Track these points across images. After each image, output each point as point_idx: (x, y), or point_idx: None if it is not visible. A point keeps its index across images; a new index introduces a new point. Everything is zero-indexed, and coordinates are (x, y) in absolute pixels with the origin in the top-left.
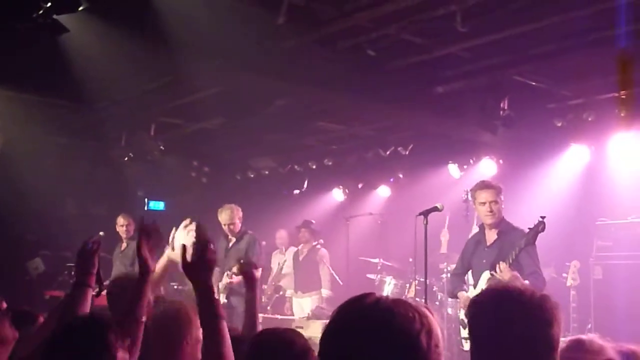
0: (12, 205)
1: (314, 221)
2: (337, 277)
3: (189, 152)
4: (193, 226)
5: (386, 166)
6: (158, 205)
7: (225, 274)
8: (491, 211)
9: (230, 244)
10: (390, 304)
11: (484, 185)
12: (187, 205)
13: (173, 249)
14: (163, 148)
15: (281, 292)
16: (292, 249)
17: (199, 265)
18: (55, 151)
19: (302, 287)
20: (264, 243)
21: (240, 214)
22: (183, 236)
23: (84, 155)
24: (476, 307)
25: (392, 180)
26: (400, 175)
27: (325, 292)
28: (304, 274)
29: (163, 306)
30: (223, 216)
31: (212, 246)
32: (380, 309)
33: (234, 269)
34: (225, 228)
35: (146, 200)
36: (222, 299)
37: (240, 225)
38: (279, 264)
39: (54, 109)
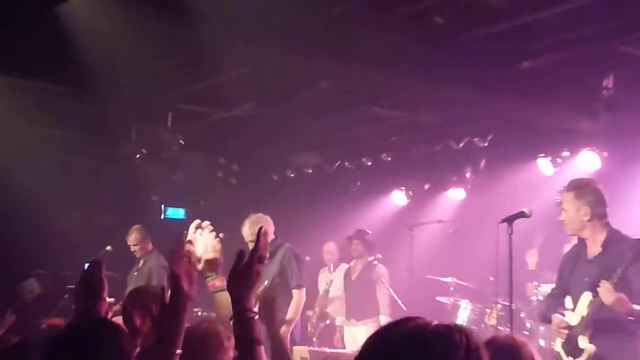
0: (0, 214)
1: (369, 231)
2: (398, 301)
3: (214, 147)
4: (207, 226)
5: (459, 162)
6: (177, 213)
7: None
8: (563, 220)
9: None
10: (435, 328)
11: (563, 188)
12: (212, 213)
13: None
14: (183, 142)
15: (328, 321)
16: (343, 266)
17: (241, 280)
18: (53, 147)
19: (356, 314)
20: (307, 259)
21: (271, 224)
22: (197, 239)
23: (87, 152)
24: None
25: (466, 179)
26: (477, 174)
27: (384, 319)
28: (358, 296)
29: (190, 328)
30: (246, 230)
31: (261, 255)
32: (419, 333)
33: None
34: (249, 245)
35: (163, 207)
36: None
37: (271, 237)
38: (326, 284)
39: (50, 95)
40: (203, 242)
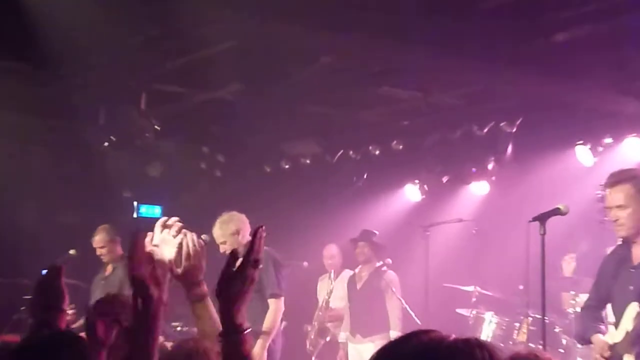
0: None
1: (377, 232)
2: (411, 313)
3: (196, 134)
4: (175, 224)
5: (482, 151)
6: (152, 212)
7: None
8: (616, 220)
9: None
10: (452, 343)
11: (611, 180)
12: (193, 210)
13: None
14: (159, 129)
15: (329, 337)
16: (347, 273)
17: (232, 287)
18: (7, 134)
19: (362, 329)
20: (305, 264)
21: (246, 224)
22: (163, 240)
23: (48, 140)
24: None
25: (491, 171)
26: (504, 164)
27: (395, 334)
28: (364, 308)
29: (176, 346)
30: (216, 231)
31: (256, 259)
32: (434, 349)
33: None
34: (221, 250)
35: (135, 204)
36: None
37: (246, 239)
38: (326, 294)
39: (3, 75)
40: (172, 244)
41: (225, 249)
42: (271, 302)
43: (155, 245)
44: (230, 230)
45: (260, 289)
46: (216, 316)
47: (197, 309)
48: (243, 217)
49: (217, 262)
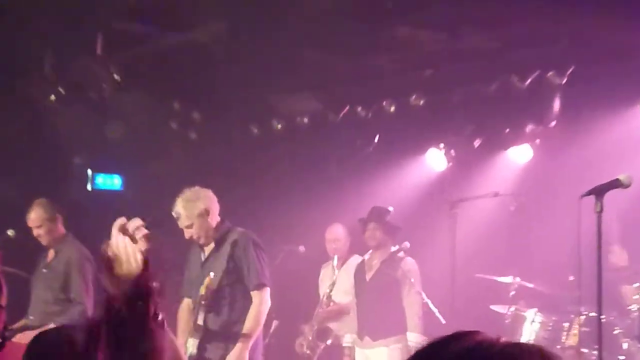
0: None
1: (391, 208)
2: (434, 310)
3: (165, 86)
4: (138, 228)
5: (524, 108)
6: (111, 182)
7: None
8: None
9: (207, 254)
10: (503, 348)
11: None
12: (162, 182)
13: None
14: (119, 79)
15: (330, 340)
16: (355, 260)
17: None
18: None
19: (372, 330)
20: (301, 249)
21: (214, 203)
22: (122, 245)
23: None
24: None
25: (534, 133)
26: (551, 125)
27: (414, 337)
28: (375, 304)
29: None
30: (180, 211)
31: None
32: (482, 356)
33: (201, 291)
34: (186, 235)
35: (90, 173)
36: (191, 347)
37: (215, 220)
38: (328, 287)
39: None
40: (124, 252)
41: (192, 234)
42: (255, 294)
43: (111, 261)
44: (198, 210)
45: (239, 280)
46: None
47: None
48: (210, 193)
49: None
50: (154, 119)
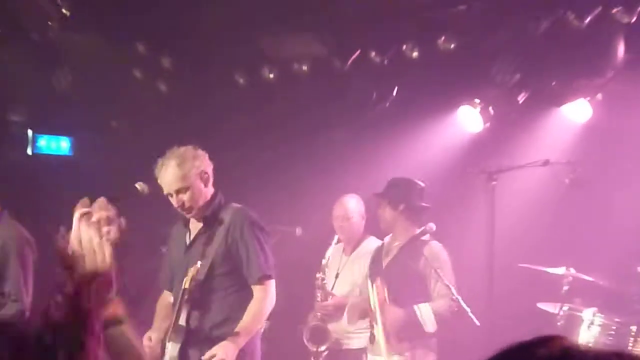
0: None
1: (420, 182)
2: (467, 309)
3: (126, 24)
4: (108, 218)
5: (581, 53)
6: (56, 146)
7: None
8: None
9: (194, 235)
10: (596, 357)
11: None
12: (120, 147)
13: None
14: (68, 14)
15: (324, 346)
16: (370, 243)
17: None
18: None
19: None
20: (298, 231)
21: (205, 164)
22: (86, 239)
23: None
24: None
25: (595, 84)
26: (615, 74)
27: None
28: (391, 298)
29: None
30: (163, 177)
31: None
32: None
33: (185, 283)
34: (175, 203)
35: (30, 133)
36: (170, 353)
37: (210, 191)
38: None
39: None
40: (87, 241)
41: (184, 201)
42: (258, 289)
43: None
44: (197, 170)
45: (235, 270)
46: (134, 340)
47: (109, 333)
48: (201, 153)
49: None
50: (112, 66)
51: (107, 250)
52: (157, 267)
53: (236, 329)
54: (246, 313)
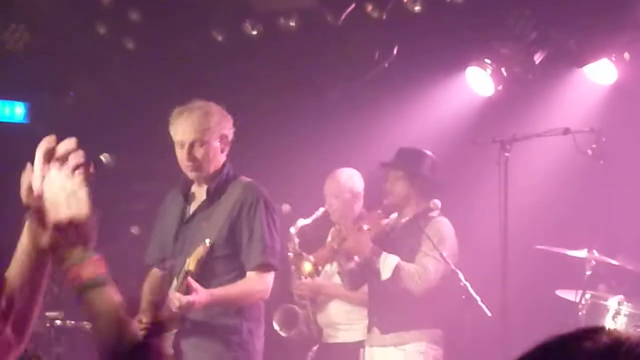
0: None
1: (430, 154)
2: (476, 298)
3: None
4: (74, 152)
5: (604, 5)
6: (12, 112)
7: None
8: None
9: (194, 208)
10: None
11: None
12: (83, 113)
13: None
14: None
15: (290, 332)
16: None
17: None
18: None
19: (383, 319)
20: (285, 208)
21: (230, 128)
22: (54, 180)
23: None
24: None
25: (619, 43)
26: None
27: (440, 334)
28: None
29: None
30: (183, 122)
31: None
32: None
33: (189, 264)
34: (184, 156)
35: None
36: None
37: (223, 158)
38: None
39: None
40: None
41: (196, 155)
42: (254, 277)
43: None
44: (222, 130)
45: (234, 254)
46: (117, 304)
47: (91, 298)
48: (223, 111)
49: None
50: (72, 20)
51: (84, 196)
52: (125, 250)
53: (219, 289)
54: (235, 284)
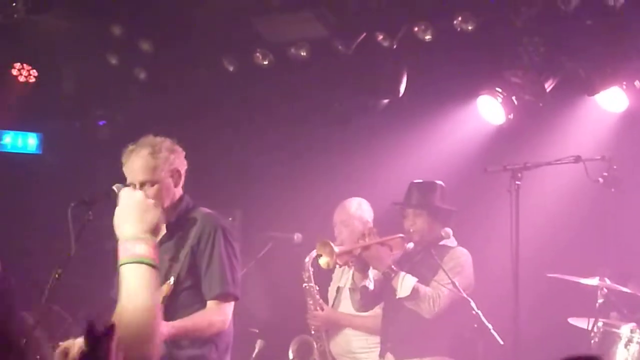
0: None
1: (441, 183)
2: (488, 325)
3: (100, 4)
4: None
5: (616, 33)
6: (24, 143)
7: None
8: None
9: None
10: None
11: None
12: (96, 143)
13: None
14: None
15: None
16: None
17: None
18: None
19: (397, 345)
20: (297, 238)
21: (180, 162)
22: None
23: None
24: None
25: (631, 71)
26: None
27: None
28: (403, 309)
29: None
30: (131, 163)
31: None
32: None
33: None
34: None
35: None
36: None
37: (178, 192)
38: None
39: None
40: None
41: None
42: (212, 305)
43: None
44: (171, 165)
45: (196, 285)
46: None
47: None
48: (177, 148)
49: None
50: (84, 51)
51: None
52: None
53: (178, 321)
54: (194, 315)
